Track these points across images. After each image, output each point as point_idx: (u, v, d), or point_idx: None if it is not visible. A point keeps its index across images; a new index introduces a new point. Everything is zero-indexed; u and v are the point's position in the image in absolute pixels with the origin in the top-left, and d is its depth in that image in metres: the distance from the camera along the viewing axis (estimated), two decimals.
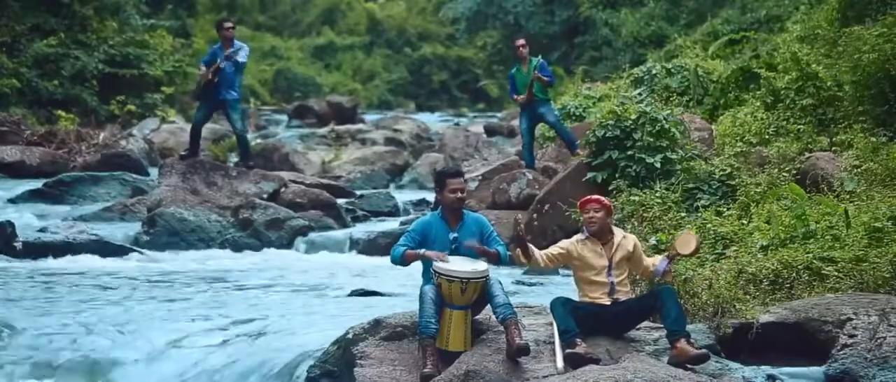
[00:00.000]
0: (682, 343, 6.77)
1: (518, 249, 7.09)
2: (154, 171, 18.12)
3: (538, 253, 7.14)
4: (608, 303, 7.09)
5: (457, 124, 34.13)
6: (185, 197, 14.63)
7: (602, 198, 7.30)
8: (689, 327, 6.95)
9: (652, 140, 12.17)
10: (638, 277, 7.84)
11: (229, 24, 14.88)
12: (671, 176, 11.84)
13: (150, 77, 27.64)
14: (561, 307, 6.96)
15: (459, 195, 7.25)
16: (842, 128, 12.28)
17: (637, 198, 11.29)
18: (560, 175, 13.52)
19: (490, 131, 29.14)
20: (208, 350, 8.33)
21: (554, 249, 7.23)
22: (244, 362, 8.00)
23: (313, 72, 51.09)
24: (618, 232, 7.30)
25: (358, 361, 7.09)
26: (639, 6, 32.24)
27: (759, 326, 7.43)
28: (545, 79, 14.54)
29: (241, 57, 14.55)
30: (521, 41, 15.00)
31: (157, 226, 13.97)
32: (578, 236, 7.29)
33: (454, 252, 7.19)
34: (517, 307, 7.30)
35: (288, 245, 14.22)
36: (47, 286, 10.81)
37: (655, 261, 7.32)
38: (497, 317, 6.95)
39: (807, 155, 11.65)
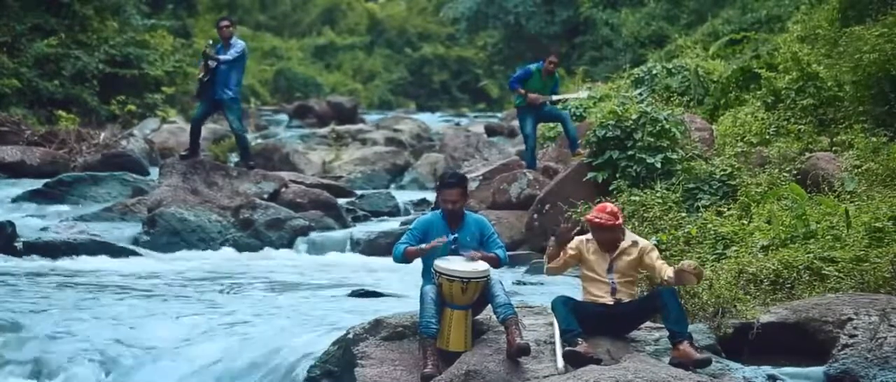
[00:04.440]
0: (685, 346, 6.76)
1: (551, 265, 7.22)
2: (154, 171, 18.11)
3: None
4: (610, 303, 7.09)
5: (457, 124, 34.12)
6: (186, 197, 14.62)
7: (615, 221, 7.10)
8: (690, 327, 6.94)
9: (652, 140, 12.17)
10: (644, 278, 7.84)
11: (225, 23, 15.02)
12: (672, 176, 11.84)
13: (150, 77, 27.59)
14: (563, 306, 6.97)
15: (451, 207, 7.24)
16: (842, 128, 12.29)
17: (637, 198, 11.28)
18: (560, 175, 13.51)
19: (491, 131, 29.11)
20: (208, 350, 8.32)
21: (568, 252, 7.21)
22: (244, 362, 8.00)
23: (314, 72, 51.04)
24: (628, 240, 7.18)
25: (358, 361, 7.09)
26: (639, 6, 32.20)
27: (760, 326, 7.43)
28: (552, 99, 15.15)
29: (230, 55, 14.65)
30: (554, 58, 15.05)
31: (158, 226, 13.95)
32: (585, 235, 7.29)
33: (454, 252, 7.20)
34: (518, 307, 7.31)
35: (288, 245, 14.21)
36: (47, 286, 10.80)
37: (669, 273, 7.04)
38: (498, 317, 6.95)
39: (807, 155, 11.65)
